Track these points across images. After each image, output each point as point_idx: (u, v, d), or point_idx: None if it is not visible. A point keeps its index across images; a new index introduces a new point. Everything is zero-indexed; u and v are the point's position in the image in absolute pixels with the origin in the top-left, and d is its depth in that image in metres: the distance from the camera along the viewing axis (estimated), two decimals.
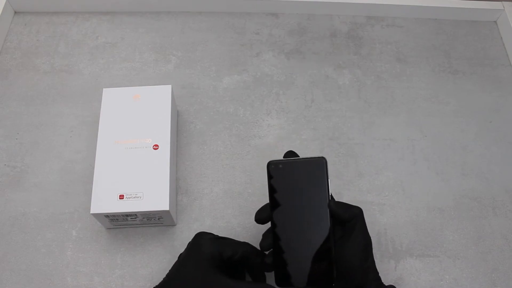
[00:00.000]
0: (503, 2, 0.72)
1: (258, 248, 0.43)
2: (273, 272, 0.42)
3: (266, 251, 0.42)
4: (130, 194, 0.47)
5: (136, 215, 0.48)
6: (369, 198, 0.55)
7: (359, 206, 0.41)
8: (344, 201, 0.42)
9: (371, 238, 0.42)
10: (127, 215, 0.48)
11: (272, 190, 0.42)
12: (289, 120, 0.61)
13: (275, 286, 0.41)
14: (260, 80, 0.64)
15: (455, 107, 0.63)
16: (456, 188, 0.57)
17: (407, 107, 0.63)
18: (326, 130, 0.60)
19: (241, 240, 0.44)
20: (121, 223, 0.50)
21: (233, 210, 0.54)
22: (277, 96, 0.63)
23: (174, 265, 0.43)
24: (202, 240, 0.42)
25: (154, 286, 0.42)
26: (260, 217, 0.42)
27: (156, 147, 0.50)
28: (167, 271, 0.43)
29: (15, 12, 0.68)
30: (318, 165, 0.41)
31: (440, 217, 0.55)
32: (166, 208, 0.47)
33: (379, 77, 0.65)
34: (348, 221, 0.41)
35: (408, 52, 0.68)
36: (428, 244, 0.53)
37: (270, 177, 0.42)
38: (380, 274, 0.42)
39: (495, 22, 0.73)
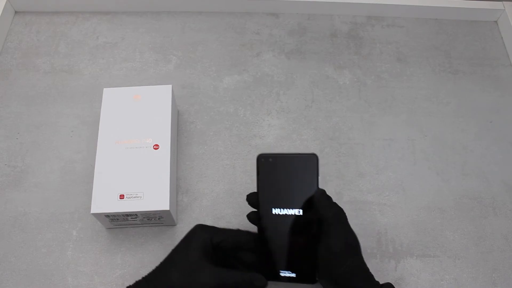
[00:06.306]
0: (503, 2, 0.72)
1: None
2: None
3: (252, 222, 0.44)
4: (131, 194, 0.47)
5: (136, 215, 0.48)
6: (369, 198, 0.55)
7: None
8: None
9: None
10: (127, 215, 0.48)
11: (260, 182, 0.43)
12: (290, 120, 0.61)
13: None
14: (261, 80, 0.64)
15: (455, 107, 0.63)
16: (456, 188, 0.57)
17: (407, 107, 0.63)
18: (326, 130, 0.60)
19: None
20: (121, 223, 0.50)
21: (233, 210, 0.54)
22: (277, 96, 0.63)
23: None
24: (196, 227, 0.43)
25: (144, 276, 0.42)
26: (251, 200, 0.44)
27: (156, 147, 0.50)
28: None
29: (16, 12, 0.68)
30: (309, 162, 0.42)
31: (440, 217, 0.55)
32: (167, 208, 0.47)
33: (379, 77, 0.65)
34: (331, 218, 0.42)
35: (409, 52, 0.68)
36: (428, 244, 0.53)
37: (259, 169, 0.43)
38: (380, 274, 0.42)
39: (496, 22, 0.73)
